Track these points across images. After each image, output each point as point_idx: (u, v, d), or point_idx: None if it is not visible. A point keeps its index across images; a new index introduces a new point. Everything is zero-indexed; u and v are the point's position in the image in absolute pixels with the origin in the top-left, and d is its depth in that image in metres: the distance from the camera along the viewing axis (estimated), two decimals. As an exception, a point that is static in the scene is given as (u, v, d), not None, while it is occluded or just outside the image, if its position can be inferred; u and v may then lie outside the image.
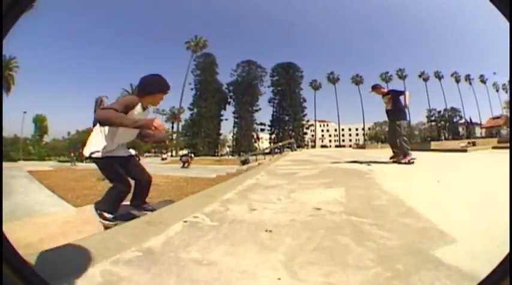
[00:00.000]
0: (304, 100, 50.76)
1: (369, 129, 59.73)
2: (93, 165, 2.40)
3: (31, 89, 63.21)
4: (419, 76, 52.93)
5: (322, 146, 54.15)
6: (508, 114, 43.45)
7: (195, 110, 47.06)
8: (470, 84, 52.20)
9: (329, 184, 3.04)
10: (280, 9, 79.66)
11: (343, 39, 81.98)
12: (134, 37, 72.15)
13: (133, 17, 74.40)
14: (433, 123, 55.91)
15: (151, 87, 2.35)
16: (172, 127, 49.52)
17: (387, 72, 52.57)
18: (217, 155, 40.51)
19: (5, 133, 36.26)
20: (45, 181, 8.60)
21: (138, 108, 2.28)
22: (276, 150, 20.02)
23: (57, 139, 44.40)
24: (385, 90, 5.33)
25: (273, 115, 50.62)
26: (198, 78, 47.01)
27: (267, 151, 22.71)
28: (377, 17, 77.16)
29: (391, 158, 5.23)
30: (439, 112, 54.92)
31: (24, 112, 36.27)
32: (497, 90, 51.68)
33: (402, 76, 52.04)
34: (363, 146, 21.15)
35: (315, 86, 52.61)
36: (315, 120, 53.51)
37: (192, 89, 47.64)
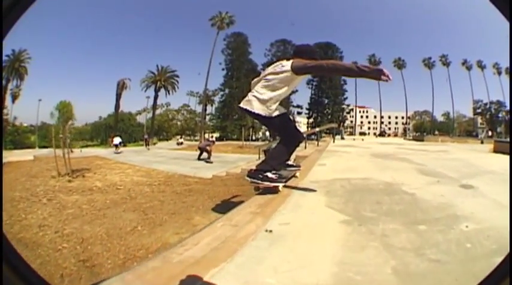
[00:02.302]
0: (345, 83, 48.98)
1: (409, 117, 56.96)
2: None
3: (50, 77, 66.19)
4: (462, 64, 49.86)
5: (361, 133, 52.17)
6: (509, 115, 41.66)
7: (226, 91, 46.89)
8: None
9: None
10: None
11: (386, 20, 78.14)
12: (155, 18, 72.04)
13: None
14: (479, 116, 52.23)
15: (312, 53, 2.96)
16: (205, 110, 50.65)
17: (430, 58, 50.11)
18: (251, 140, 40.52)
19: (30, 122, 39.83)
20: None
21: None
22: (313, 136, 16.99)
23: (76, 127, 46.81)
24: None
25: (311, 98, 49.44)
26: (229, 58, 46.58)
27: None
28: (436, 10, 71.78)
29: None
30: (485, 104, 50.73)
31: (39, 99, 38.13)
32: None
33: (446, 63, 49.51)
34: (420, 139, 18.29)
35: None
36: (355, 105, 51.93)
37: (223, 69, 47.37)
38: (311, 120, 48.92)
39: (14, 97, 35.23)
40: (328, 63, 2.72)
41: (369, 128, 66.53)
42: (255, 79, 3.01)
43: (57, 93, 73.14)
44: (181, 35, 73.47)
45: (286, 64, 2.75)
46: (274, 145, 14.46)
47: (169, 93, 44.99)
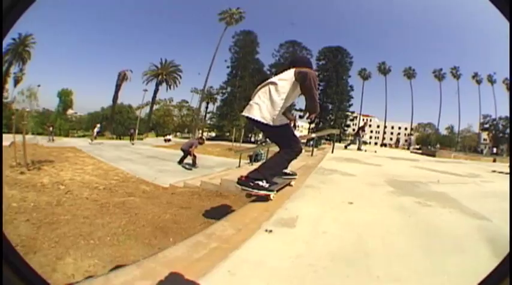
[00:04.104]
0: (352, 89, 49.11)
1: (412, 129, 57.28)
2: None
3: (52, 65, 67.44)
4: (473, 77, 51.05)
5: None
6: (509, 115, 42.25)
7: (229, 89, 46.65)
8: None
9: None
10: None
11: (397, 28, 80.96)
12: (160, 9, 72.56)
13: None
14: (485, 132, 52.74)
15: (309, 64, 3.06)
16: (207, 108, 50.70)
17: (441, 69, 51.47)
18: (249, 142, 40.45)
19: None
20: None
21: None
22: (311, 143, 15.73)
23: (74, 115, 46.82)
24: None
25: None
26: (236, 56, 46.33)
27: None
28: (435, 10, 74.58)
29: None
30: (494, 120, 51.25)
31: (38, 85, 37.93)
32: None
33: (456, 76, 50.70)
34: (430, 153, 14.74)
35: (364, 76, 50.82)
36: (360, 113, 52.06)
37: (228, 67, 47.17)
38: (313, 125, 48.35)
39: (16, 81, 35.90)
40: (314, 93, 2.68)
41: (371, 137, 66.98)
42: (259, 87, 3.02)
43: (62, 80, 74.15)
44: (186, 30, 73.82)
45: (290, 73, 2.80)
46: (261, 151, 12.16)
47: (170, 88, 45.51)
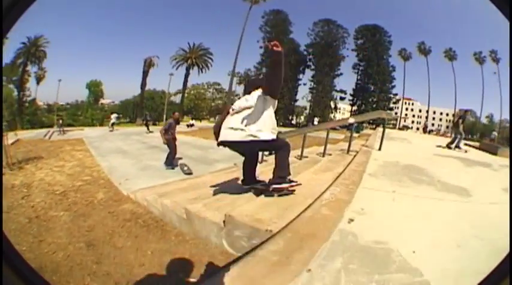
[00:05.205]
0: (393, 69, 46.96)
1: (453, 115, 53.86)
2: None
3: (79, 59, 67.50)
4: None
5: (404, 126, 49.99)
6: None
7: (263, 70, 46.16)
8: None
9: None
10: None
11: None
12: None
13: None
14: None
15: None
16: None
17: (480, 52, 46.74)
18: (289, 125, 40.18)
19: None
20: None
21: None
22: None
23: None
24: None
25: (356, 83, 47.86)
26: (268, 36, 45.97)
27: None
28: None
29: None
30: None
31: (59, 80, 40.55)
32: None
33: (496, 60, 45.83)
34: (492, 150, 10.27)
35: (405, 56, 48.00)
36: (403, 96, 49.51)
37: (260, 47, 47.00)
38: (355, 108, 47.54)
39: (39, 79, 38.02)
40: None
41: (412, 122, 64.11)
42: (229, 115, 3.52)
43: (91, 72, 76.35)
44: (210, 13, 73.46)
45: (254, 94, 3.41)
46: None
47: (202, 71, 45.48)
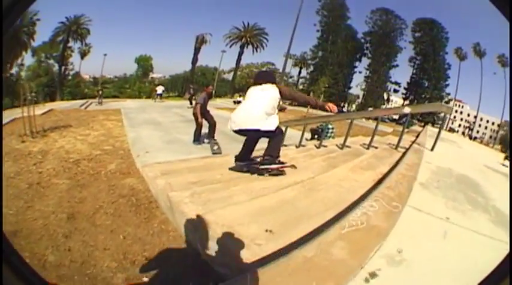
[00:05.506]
0: (449, 67, 45.06)
1: (498, 125, 50.71)
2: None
3: (131, 34, 67.79)
4: None
5: (451, 129, 47.82)
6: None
7: (320, 53, 46.52)
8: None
9: None
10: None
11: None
12: None
13: None
14: None
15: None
16: (299, 73, 50.38)
17: None
18: (341, 112, 39.34)
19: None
20: None
21: None
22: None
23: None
24: None
25: (411, 77, 46.83)
26: (325, 20, 45.74)
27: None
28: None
29: None
30: None
31: (105, 54, 41.83)
32: None
33: None
34: None
35: (461, 55, 44.98)
36: (455, 97, 47.58)
37: (318, 31, 46.66)
38: (407, 102, 46.02)
39: (83, 54, 39.92)
40: (296, 94, 4.60)
41: (459, 125, 61.28)
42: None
43: (141, 47, 79.17)
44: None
45: (268, 87, 3.98)
46: (330, 125, 10.00)
47: (256, 51, 45.87)
